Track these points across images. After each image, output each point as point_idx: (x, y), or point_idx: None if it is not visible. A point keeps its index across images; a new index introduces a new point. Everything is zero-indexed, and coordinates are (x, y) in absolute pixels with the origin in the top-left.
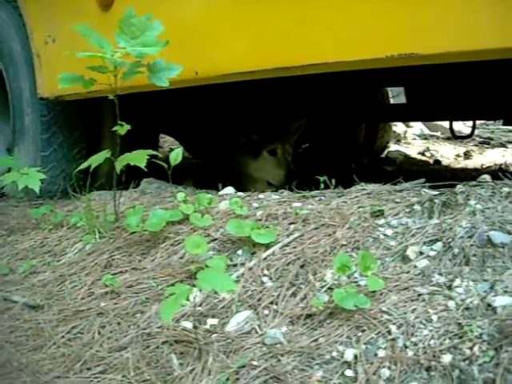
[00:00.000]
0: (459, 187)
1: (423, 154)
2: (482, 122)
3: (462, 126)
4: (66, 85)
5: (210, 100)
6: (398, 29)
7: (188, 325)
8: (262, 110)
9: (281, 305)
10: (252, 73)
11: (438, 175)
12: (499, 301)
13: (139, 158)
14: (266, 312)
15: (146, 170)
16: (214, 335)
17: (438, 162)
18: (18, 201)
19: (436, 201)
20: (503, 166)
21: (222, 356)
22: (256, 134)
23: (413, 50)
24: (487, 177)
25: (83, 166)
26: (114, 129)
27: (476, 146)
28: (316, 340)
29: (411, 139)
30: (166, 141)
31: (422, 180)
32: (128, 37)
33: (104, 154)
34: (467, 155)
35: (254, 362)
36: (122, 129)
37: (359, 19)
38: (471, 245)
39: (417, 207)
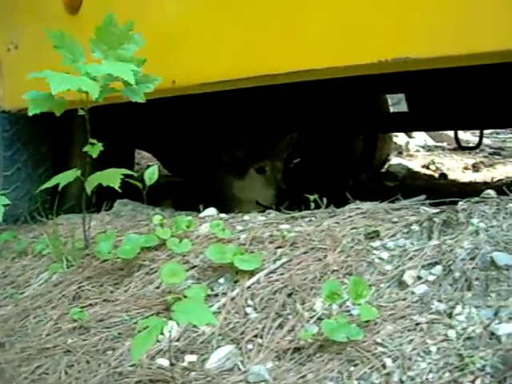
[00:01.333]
0: (461, 204)
1: (428, 168)
2: (492, 130)
3: (470, 136)
4: (36, 111)
5: (191, 113)
6: (392, 31)
7: (164, 362)
8: (246, 123)
9: (266, 338)
10: (234, 81)
11: (444, 191)
12: (504, 329)
13: (112, 177)
14: (250, 346)
15: (120, 190)
16: (193, 373)
17: (443, 175)
18: None
19: (436, 220)
20: None
21: None
22: (240, 150)
23: (408, 54)
24: (491, 192)
25: (48, 184)
26: (85, 150)
27: (486, 157)
28: (304, 376)
29: (414, 151)
30: (144, 157)
31: (422, 197)
32: (105, 47)
33: (73, 173)
34: (476, 168)
35: None
36: (94, 149)
37: (348, 21)
38: (473, 268)
39: (415, 227)
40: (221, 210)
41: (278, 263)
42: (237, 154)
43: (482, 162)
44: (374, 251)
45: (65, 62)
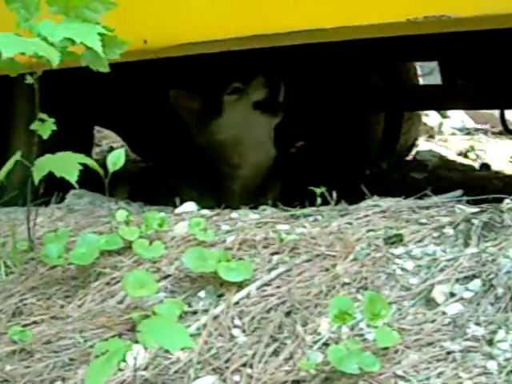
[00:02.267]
0: (507, 202)
1: (465, 156)
2: None
3: None
4: None
5: (167, 79)
6: None
7: None
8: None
9: (257, 368)
10: (220, 42)
11: (486, 185)
12: None
13: (67, 165)
14: (237, 378)
15: (76, 186)
16: None
17: (485, 166)
18: None
19: (475, 222)
20: None
21: None
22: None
23: (444, 12)
24: None
25: None
26: (32, 127)
27: None
28: None
29: (449, 134)
30: (105, 136)
31: (458, 192)
32: (65, 3)
33: (15, 158)
34: None
35: None
36: (44, 128)
37: None
38: None
39: (448, 230)
40: (199, 202)
41: (274, 273)
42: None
43: None
44: (396, 260)
45: (19, 20)
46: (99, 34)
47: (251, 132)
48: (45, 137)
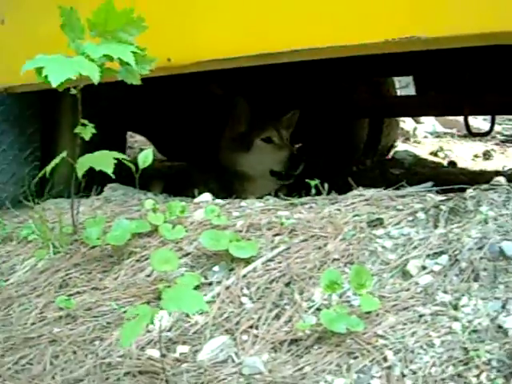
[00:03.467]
0: (469, 192)
1: (436, 155)
2: (505, 117)
3: (482, 122)
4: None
5: (187, 92)
6: (399, 9)
7: (154, 353)
8: (244, 97)
9: (262, 329)
10: (233, 60)
11: (453, 179)
12: (511, 322)
13: (105, 161)
14: (245, 337)
15: (113, 176)
16: (185, 365)
17: (452, 163)
18: None
19: (442, 207)
20: None
21: None
22: (243, 124)
23: (414, 33)
24: (502, 179)
25: (41, 174)
26: (76, 131)
27: (497, 144)
28: (301, 369)
29: (422, 137)
30: (137, 140)
31: (429, 184)
32: (103, 28)
33: (60, 156)
34: (487, 155)
35: None
36: (86, 131)
37: None
38: (481, 258)
39: (421, 215)
40: (221, 194)
41: (276, 251)
42: (239, 128)
43: (493, 150)
44: (377, 239)
45: (69, 41)
46: (132, 52)
47: (263, 172)
48: (86, 138)
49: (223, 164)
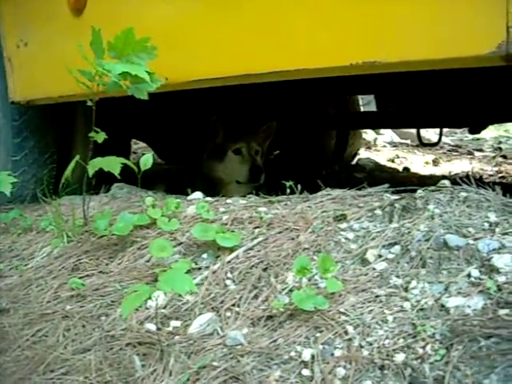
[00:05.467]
0: (419, 192)
1: (393, 161)
2: (451, 130)
3: (433, 135)
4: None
5: (180, 106)
6: (362, 36)
7: (151, 327)
8: (217, 115)
9: (243, 307)
10: (220, 79)
11: (406, 182)
12: (452, 302)
13: (112, 163)
14: (228, 314)
15: (119, 177)
16: (177, 337)
17: (406, 169)
18: None
19: (396, 205)
20: (470, 173)
21: (183, 357)
22: (219, 137)
23: (376, 58)
24: (446, 182)
25: (63, 179)
26: (90, 135)
27: (444, 153)
28: (275, 341)
29: (381, 147)
30: (140, 147)
31: (386, 185)
32: (120, 51)
33: (75, 160)
34: (436, 162)
35: (215, 363)
36: (99, 136)
37: (323, 27)
38: (428, 248)
39: (378, 211)
40: (207, 194)
41: (256, 241)
42: (217, 141)
43: (441, 158)
44: (341, 232)
45: (95, 57)
46: (146, 71)
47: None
48: (99, 141)
49: (204, 171)
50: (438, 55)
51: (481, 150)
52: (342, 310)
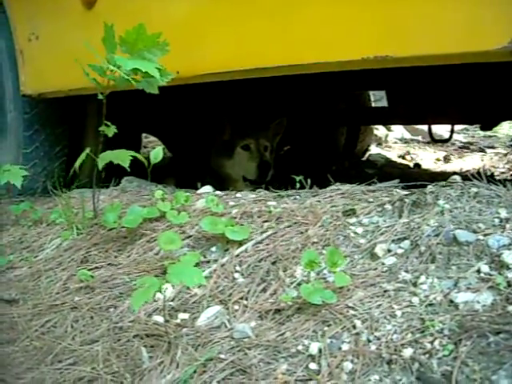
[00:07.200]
0: (429, 187)
1: (403, 158)
2: (462, 126)
3: (443, 131)
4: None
5: (191, 101)
6: (374, 31)
7: (159, 319)
8: (226, 114)
9: (251, 300)
10: (231, 73)
11: (417, 178)
12: (461, 297)
13: (122, 156)
14: (236, 307)
15: (128, 170)
16: (184, 329)
17: (417, 165)
18: None
19: (406, 200)
20: (481, 170)
21: (190, 349)
22: (227, 134)
23: (388, 53)
24: (457, 177)
25: (72, 171)
26: (101, 129)
27: (456, 150)
28: (283, 334)
29: (392, 143)
30: (151, 141)
31: (396, 181)
32: (132, 46)
33: (85, 152)
34: (447, 159)
35: (222, 356)
36: (109, 130)
37: (336, 21)
38: (437, 243)
39: (388, 206)
40: (217, 189)
41: (265, 235)
42: (224, 137)
43: (452, 155)
44: (350, 226)
45: (107, 52)
46: (156, 68)
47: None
48: (110, 135)
49: (213, 167)
50: (449, 50)
51: (493, 147)
52: (350, 304)
